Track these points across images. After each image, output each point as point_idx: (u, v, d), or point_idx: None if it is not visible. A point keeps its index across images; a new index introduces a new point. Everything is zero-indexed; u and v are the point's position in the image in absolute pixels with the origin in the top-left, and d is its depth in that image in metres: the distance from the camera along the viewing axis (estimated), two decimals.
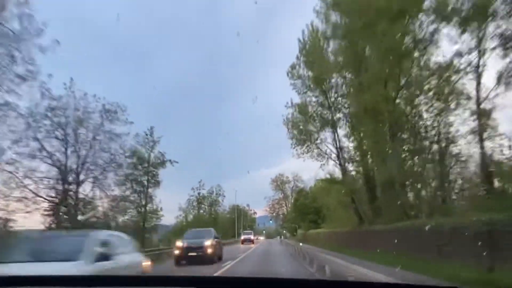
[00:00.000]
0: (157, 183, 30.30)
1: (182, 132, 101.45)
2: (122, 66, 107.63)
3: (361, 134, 25.63)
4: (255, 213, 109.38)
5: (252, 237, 51.13)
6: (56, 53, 17.30)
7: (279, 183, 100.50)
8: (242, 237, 51.12)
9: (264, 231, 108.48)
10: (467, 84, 19.30)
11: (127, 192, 27.25)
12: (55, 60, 21.51)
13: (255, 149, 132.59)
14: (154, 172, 30.38)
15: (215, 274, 11.58)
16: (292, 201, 76.75)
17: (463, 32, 17.50)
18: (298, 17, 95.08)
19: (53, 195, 20.78)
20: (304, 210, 56.10)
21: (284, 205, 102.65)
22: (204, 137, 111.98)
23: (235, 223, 72.63)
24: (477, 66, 17.93)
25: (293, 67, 29.50)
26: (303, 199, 59.56)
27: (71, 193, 21.35)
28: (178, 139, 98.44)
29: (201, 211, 63.07)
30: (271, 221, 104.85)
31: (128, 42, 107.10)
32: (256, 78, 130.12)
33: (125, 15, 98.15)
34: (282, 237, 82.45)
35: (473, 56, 18.02)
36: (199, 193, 62.81)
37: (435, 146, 21.54)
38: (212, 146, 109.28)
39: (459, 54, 18.44)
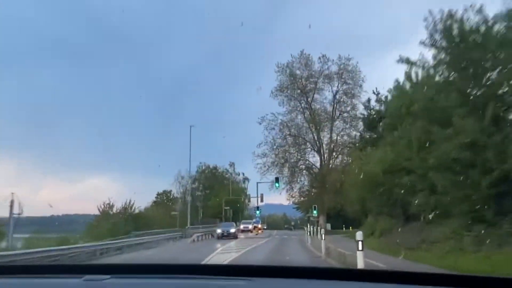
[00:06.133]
0: None
1: (187, 118, 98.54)
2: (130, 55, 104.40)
3: None
4: (246, 179, 65.08)
5: (232, 230, 34.65)
6: None
7: (300, 80, 41.71)
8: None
9: (258, 213, 49.88)
10: None
11: None
12: None
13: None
14: None
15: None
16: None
17: None
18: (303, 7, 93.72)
19: None
20: None
21: (313, 136, 41.71)
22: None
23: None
24: None
25: None
26: None
27: None
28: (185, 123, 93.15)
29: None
30: (277, 185, 41.99)
31: (136, 32, 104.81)
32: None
33: (132, 8, 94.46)
34: (321, 229, 19.67)
35: None
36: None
37: None
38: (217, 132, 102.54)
39: None
